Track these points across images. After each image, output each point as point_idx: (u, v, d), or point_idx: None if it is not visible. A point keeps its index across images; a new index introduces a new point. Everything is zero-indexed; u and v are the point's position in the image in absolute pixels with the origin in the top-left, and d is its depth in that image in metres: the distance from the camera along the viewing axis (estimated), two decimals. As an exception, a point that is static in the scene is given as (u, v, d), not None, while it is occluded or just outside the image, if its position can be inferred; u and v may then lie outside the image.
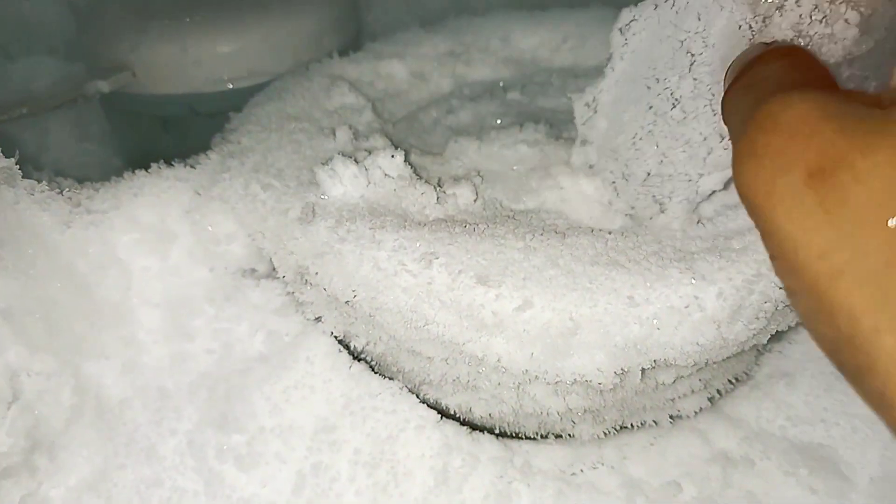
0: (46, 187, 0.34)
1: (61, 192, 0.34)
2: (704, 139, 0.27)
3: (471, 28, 0.52)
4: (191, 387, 0.36)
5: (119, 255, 0.37)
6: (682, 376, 0.31)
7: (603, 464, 0.36)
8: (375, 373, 0.37)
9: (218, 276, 0.39)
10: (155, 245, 0.37)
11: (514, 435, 0.37)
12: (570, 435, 0.36)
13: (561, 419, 0.34)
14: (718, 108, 0.25)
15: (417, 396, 0.36)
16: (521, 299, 0.28)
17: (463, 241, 0.30)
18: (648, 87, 0.28)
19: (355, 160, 0.34)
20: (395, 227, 0.31)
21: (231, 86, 0.54)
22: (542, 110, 0.45)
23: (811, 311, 0.18)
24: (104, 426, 0.36)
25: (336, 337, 0.37)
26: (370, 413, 0.35)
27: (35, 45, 0.73)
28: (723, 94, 0.24)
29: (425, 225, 0.32)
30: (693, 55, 0.26)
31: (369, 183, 0.33)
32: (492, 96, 0.46)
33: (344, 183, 0.34)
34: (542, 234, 0.31)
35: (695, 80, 0.26)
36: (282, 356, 0.37)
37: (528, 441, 0.36)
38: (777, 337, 0.33)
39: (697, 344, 0.27)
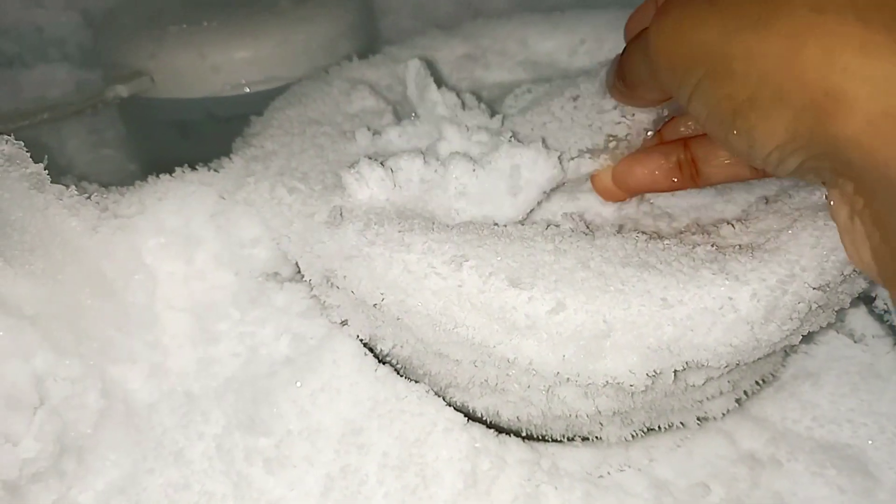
0: (75, 192, 0.34)
1: (89, 197, 0.35)
2: None
3: (487, 31, 0.52)
4: (217, 390, 0.37)
5: (145, 259, 0.37)
6: (711, 378, 0.31)
7: (630, 466, 0.36)
8: (401, 375, 0.37)
9: (243, 280, 0.39)
10: (180, 249, 0.37)
11: (540, 437, 0.37)
12: (597, 437, 0.36)
13: (589, 421, 0.34)
14: None
15: (444, 399, 0.36)
16: (553, 301, 0.28)
17: (492, 243, 0.30)
18: None
19: (381, 163, 0.34)
20: (423, 229, 0.31)
21: (248, 90, 0.55)
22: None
23: None
24: (132, 430, 0.36)
25: (361, 340, 0.37)
26: (397, 416, 0.35)
27: (50, 52, 0.73)
28: None
29: (453, 227, 0.32)
30: None
31: (395, 186, 0.33)
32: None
33: (370, 186, 0.34)
34: (570, 236, 0.31)
35: None
36: (307, 359, 0.37)
37: (554, 443, 0.36)
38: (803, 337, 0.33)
39: (730, 345, 0.27)
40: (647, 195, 0.37)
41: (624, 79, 0.31)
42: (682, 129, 0.34)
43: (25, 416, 0.36)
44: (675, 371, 0.28)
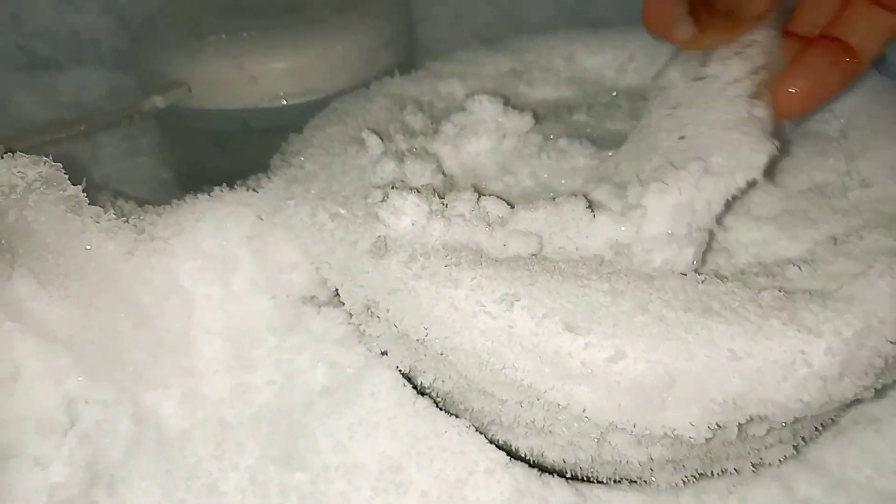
0: (113, 216, 0.33)
1: (127, 220, 0.34)
2: None
3: (533, 46, 0.51)
4: (252, 420, 0.35)
5: (181, 282, 0.36)
6: (774, 428, 0.29)
7: (679, 512, 0.34)
8: (441, 409, 0.35)
9: (280, 305, 0.37)
10: (217, 273, 0.36)
11: (585, 479, 0.35)
12: (645, 482, 0.34)
13: (641, 468, 0.32)
14: None
15: (485, 436, 0.34)
16: (612, 349, 0.26)
17: (544, 281, 0.29)
18: None
19: (416, 190, 0.33)
20: (471, 264, 0.30)
21: (285, 102, 0.54)
22: (610, 133, 0.43)
23: None
24: (164, 459, 0.35)
25: (400, 370, 0.36)
26: (437, 453, 0.34)
27: (84, 56, 0.73)
28: None
29: (502, 262, 0.30)
30: None
31: (443, 218, 0.32)
32: (556, 118, 0.45)
33: (408, 213, 0.33)
34: (626, 276, 0.29)
35: None
36: (345, 390, 0.36)
37: (600, 486, 0.35)
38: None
39: (801, 401, 0.26)
40: None
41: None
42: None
43: (55, 440, 0.35)
44: (739, 424, 0.27)
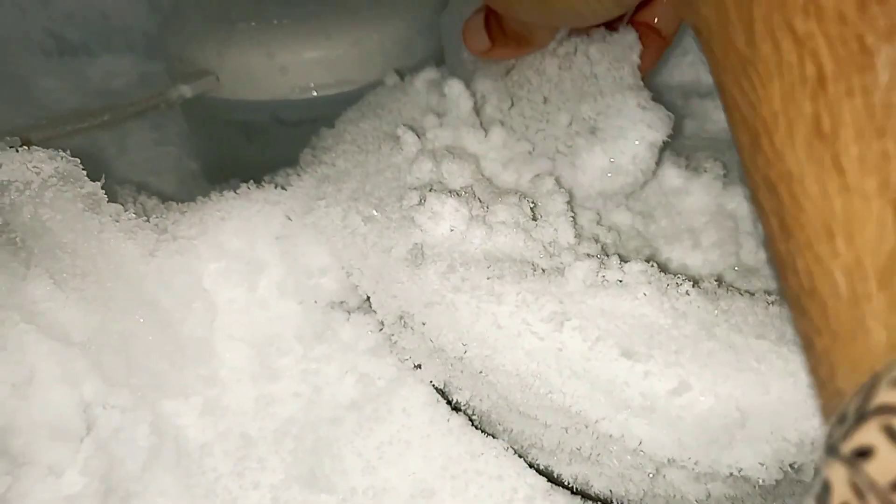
0: (133, 214, 0.31)
1: (148, 220, 0.32)
2: None
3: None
4: (276, 434, 0.33)
5: (204, 285, 0.34)
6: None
7: (734, 548, 0.31)
8: (477, 428, 0.33)
9: (307, 311, 0.35)
10: (243, 275, 0.34)
11: (632, 509, 0.33)
12: (698, 515, 0.32)
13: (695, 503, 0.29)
14: None
15: (525, 459, 0.32)
16: (676, 380, 0.23)
17: (598, 298, 0.26)
18: None
19: (456, 192, 0.31)
20: (516, 276, 0.27)
21: (316, 94, 0.51)
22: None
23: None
24: (182, 473, 0.33)
25: (434, 386, 0.33)
26: (473, 478, 0.31)
27: (115, 42, 0.71)
28: None
29: (550, 275, 0.28)
30: None
31: (485, 225, 0.29)
32: None
33: (446, 218, 0.30)
34: (688, 294, 0.26)
35: None
36: (375, 405, 0.33)
37: (648, 516, 0.32)
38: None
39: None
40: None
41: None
42: None
43: (71, 448, 0.34)
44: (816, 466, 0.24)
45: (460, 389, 0.32)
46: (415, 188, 0.33)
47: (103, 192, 0.30)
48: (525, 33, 0.36)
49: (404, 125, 0.36)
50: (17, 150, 0.30)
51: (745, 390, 0.23)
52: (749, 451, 0.23)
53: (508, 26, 0.36)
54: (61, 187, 0.29)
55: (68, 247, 0.30)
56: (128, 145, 0.61)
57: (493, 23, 0.37)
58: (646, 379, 0.24)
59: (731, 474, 0.24)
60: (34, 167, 0.29)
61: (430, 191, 0.31)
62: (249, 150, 0.54)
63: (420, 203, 0.31)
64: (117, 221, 0.30)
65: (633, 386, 0.24)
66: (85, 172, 0.30)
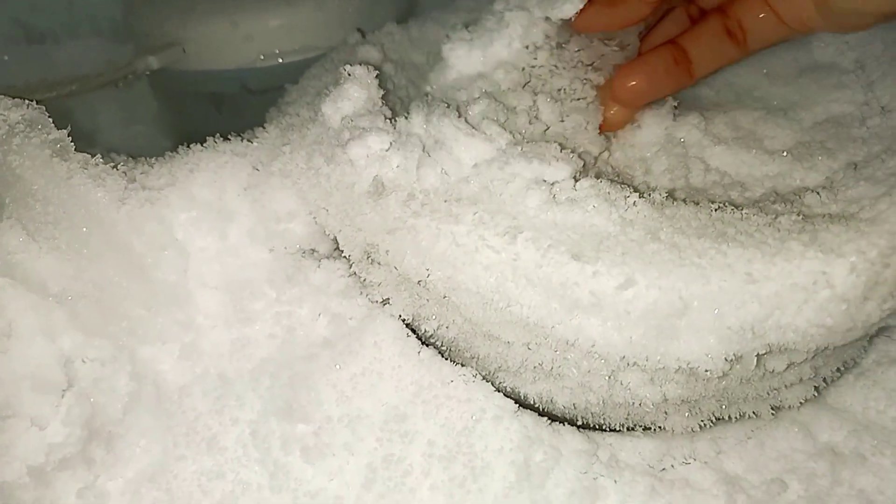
0: (101, 161, 0.32)
1: (115, 167, 0.32)
2: None
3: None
4: (252, 373, 0.34)
5: (176, 234, 0.35)
6: (794, 363, 0.28)
7: (695, 458, 0.33)
8: (446, 359, 0.34)
9: (278, 257, 0.36)
10: (213, 224, 0.35)
11: (597, 426, 0.34)
12: (659, 427, 0.33)
13: (654, 410, 0.31)
14: None
15: (493, 384, 0.33)
16: (622, 276, 0.25)
17: (549, 213, 0.27)
18: None
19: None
20: (472, 199, 0.29)
21: (281, 60, 0.52)
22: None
23: None
24: (163, 415, 0.34)
25: (404, 320, 0.35)
26: (443, 402, 0.33)
27: (81, 27, 0.72)
28: None
29: (504, 195, 0.29)
30: None
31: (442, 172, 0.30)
32: None
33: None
34: (636, 205, 0.28)
35: None
36: (347, 341, 0.34)
37: (612, 433, 0.34)
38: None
39: (823, 326, 0.24)
40: (712, 164, 0.34)
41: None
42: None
43: (53, 399, 0.34)
44: (758, 355, 0.25)
45: (428, 319, 0.33)
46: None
47: (69, 139, 0.31)
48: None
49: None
50: (-18, 101, 0.31)
51: (686, 282, 0.24)
52: (694, 342, 0.25)
53: None
54: (28, 134, 0.30)
55: (39, 194, 0.30)
56: (98, 125, 0.61)
57: None
58: (594, 278, 0.25)
59: (681, 368, 0.26)
60: (0, 115, 0.30)
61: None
62: (219, 121, 0.55)
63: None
64: (85, 169, 0.31)
65: (583, 285, 0.25)
66: (51, 120, 0.31)
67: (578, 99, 0.34)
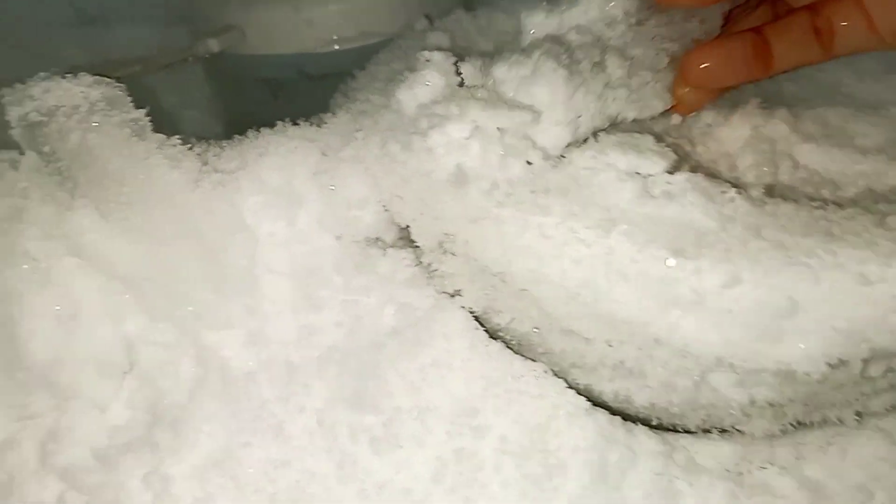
0: (178, 141, 0.31)
1: (191, 149, 0.32)
2: None
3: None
4: (319, 361, 0.34)
5: (246, 219, 0.34)
6: (892, 369, 0.27)
7: (773, 464, 0.32)
8: (516, 353, 0.33)
9: (345, 245, 0.36)
10: (282, 209, 0.35)
11: (671, 427, 0.33)
12: (737, 430, 0.32)
13: (738, 413, 0.30)
14: None
15: (565, 380, 0.32)
16: (727, 274, 0.24)
17: (645, 206, 0.26)
18: None
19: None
20: (561, 191, 0.28)
21: (338, 47, 0.52)
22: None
23: None
24: (228, 400, 0.33)
25: (472, 312, 0.34)
26: (515, 397, 0.32)
27: (135, 13, 0.71)
28: None
29: (594, 187, 0.28)
30: None
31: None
32: None
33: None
34: (734, 201, 0.27)
35: None
36: (415, 331, 0.34)
37: (687, 435, 0.33)
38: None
39: (938, 331, 0.23)
40: (801, 161, 0.33)
41: None
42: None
43: (114, 382, 0.34)
44: (863, 360, 0.24)
45: (500, 312, 0.32)
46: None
47: (148, 119, 0.31)
48: None
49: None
50: (64, 77, 0.31)
51: (796, 281, 0.23)
52: (799, 344, 0.24)
53: None
54: (108, 112, 0.30)
55: (115, 174, 0.30)
56: (151, 110, 0.61)
57: None
58: (696, 275, 0.24)
59: (779, 371, 0.25)
60: (82, 91, 0.30)
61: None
62: (274, 107, 0.54)
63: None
64: (162, 149, 0.31)
65: (684, 282, 0.24)
66: (131, 99, 0.31)
67: (650, 63, 0.33)
